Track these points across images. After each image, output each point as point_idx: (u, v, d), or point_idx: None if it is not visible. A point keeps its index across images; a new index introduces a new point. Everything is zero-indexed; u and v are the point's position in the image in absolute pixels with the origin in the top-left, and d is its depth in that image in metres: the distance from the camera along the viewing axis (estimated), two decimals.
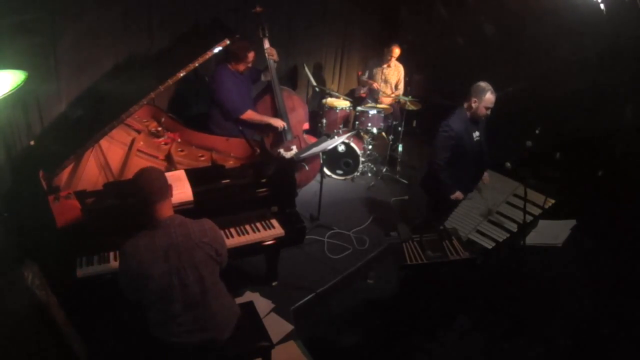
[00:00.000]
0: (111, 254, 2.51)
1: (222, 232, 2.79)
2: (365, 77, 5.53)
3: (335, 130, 5.02)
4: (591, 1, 4.05)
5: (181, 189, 2.64)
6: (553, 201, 3.32)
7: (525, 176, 3.05)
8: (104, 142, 2.86)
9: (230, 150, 3.37)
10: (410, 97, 5.17)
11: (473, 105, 3.37)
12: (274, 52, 3.95)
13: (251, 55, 3.73)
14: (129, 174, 2.74)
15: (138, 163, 2.90)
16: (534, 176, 3.45)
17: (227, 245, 2.72)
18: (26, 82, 1.71)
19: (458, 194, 3.44)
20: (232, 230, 2.88)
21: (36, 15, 2.84)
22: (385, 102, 5.40)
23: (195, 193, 2.66)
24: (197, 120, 3.86)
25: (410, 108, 5.15)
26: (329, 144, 3.94)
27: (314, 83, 5.08)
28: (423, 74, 6.00)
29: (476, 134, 3.51)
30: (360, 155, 5.00)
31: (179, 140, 3.30)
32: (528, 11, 4.94)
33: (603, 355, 3.04)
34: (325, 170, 4.98)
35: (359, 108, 5.05)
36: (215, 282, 2.16)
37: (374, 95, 5.44)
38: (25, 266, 2.29)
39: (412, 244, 2.81)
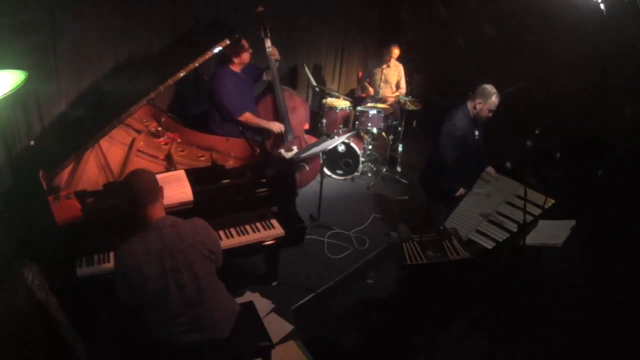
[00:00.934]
0: (111, 254, 2.51)
1: (221, 231, 2.83)
2: (366, 82, 5.55)
3: (335, 130, 5.02)
4: (591, 1, 4.05)
5: (181, 189, 2.64)
6: (553, 201, 3.32)
7: (525, 176, 3.05)
8: (104, 142, 2.85)
9: (230, 150, 3.37)
10: (410, 97, 5.17)
11: (478, 106, 3.45)
12: (275, 51, 3.95)
13: (245, 56, 3.72)
14: None
15: (138, 163, 2.90)
16: (534, 176, 3.46)
17: (227, 245, 2.75)
18: (26, 82, 1.71)
19: (461, 191, 3.53)
20: (232, 230, 2.88)
21: (36, 15, 2.84)
22: (390, 100, 5.42)
23: (195, 193, 2.65)
24: (197, 120, 3.86)
25: (410, 108, 5.15)
26: (329, 144, 3.94)
27: (314, 83, 5.08)
28: (423, 74, 6.00)
29: (476, 133, 3.57)
30: (360, 155, 5.00)
31: (179, 140, 3.30)
32: (528, 11, 4.94)
33: (603, 355, 3.04)
34: (325, 170, 4.98)
35: (359, 108, 5.05)
36: (211, 281, 2.15)
37: (375, 96, 5.45)
38: (25, 266, 2.29)
39: (412, 244, 2.81)
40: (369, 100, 5.39)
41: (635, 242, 3.79)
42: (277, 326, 3.00)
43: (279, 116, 4.16)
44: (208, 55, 2.90)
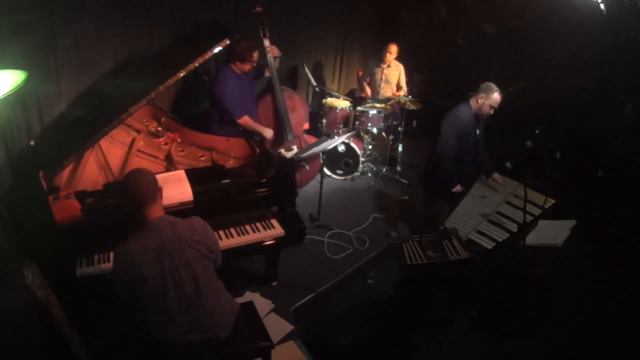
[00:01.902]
0: (111, 254, 2.50)
1: (221, 231, 2.83)
2: (366, 81, 5.56)
3: (335, 130, 5.02)
4: (591, 1, 4.05)
5: (181, 189, 2.64)
6: (553, 201, 3.32)
7: (525, 176, 3.05)
8: (104, 142, 2.85)
9: (230, 150, 3.37)
10: (410, 97, 5.17)
11: (479, 101, 3.50)
12: (274, 49, 3.94)
13: (256, 55, 3.73)
14: None
15: (138, 163, 2.90)
16: (534, 176, 3.46)
17: (227, 245, 2.75)
18: (26, 82, 1.71)
19: (458, 187, 3.55)
20: (232, 230, 2.88)
21: (36, 15, 2.84)
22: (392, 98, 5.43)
23: (195, 193, 2.66)
24: (197, 120, 3.85)
25: (410, 108, 5.15)
26: (329, 144, 3.94)
27: (314, 83, 5.08)
28: (423, 74, 6.00)
29: (477, 131, 3.61)
30: (360, 155, 4.99)
31: (179, 140, 3.30)
32: (528, 11, 4.94)
33: (603, 355, 3.04)
34: (325, 170, 4.98)
35: (359, 108, 5.04)
36: (210, 280, 2.15)
37: (375, 96, 5.45)
38: (25, 266, 2.29)
39: (412, 244, 2.81)
40: (369, 100, 5.40)
41: (635, 242, 3.79)
42: (277, 326, 3.00)
43: (278, 116, 4.16)
44: (208, 55, 2.90)
